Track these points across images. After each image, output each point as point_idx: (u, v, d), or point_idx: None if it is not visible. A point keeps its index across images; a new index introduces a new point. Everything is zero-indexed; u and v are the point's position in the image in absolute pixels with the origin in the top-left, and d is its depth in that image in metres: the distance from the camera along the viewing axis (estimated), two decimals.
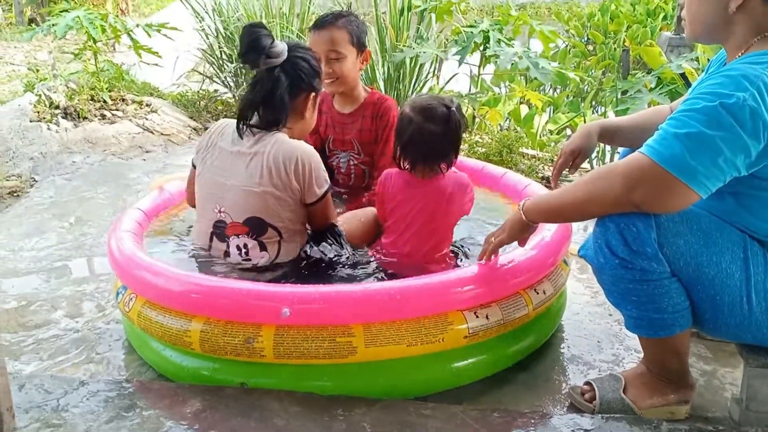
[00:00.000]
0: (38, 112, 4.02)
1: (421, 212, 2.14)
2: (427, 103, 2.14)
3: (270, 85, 2.05)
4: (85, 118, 4.11)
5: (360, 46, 2.58)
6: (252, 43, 2.01)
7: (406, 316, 1.82)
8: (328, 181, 2.14)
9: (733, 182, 1.59)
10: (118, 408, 1.75)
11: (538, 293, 2.03)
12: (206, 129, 4.31)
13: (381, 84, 3.94)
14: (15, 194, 3.49)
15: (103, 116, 4.19)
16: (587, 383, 1.92)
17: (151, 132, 4.04)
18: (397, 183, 2.19)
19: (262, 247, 2.10)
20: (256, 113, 2.09)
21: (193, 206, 2.31)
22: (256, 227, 2.09)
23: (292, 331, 1.79)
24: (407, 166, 2.17)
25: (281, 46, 2.05)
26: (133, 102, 4.38)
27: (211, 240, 2.15)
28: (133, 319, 2.00)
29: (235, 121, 2.12)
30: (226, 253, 2.13)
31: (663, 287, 1.68)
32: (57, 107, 4.17)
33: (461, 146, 2.19)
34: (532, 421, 1.79)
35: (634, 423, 1.76)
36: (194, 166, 2.22)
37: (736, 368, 2.07)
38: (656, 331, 1.75)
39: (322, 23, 2.54)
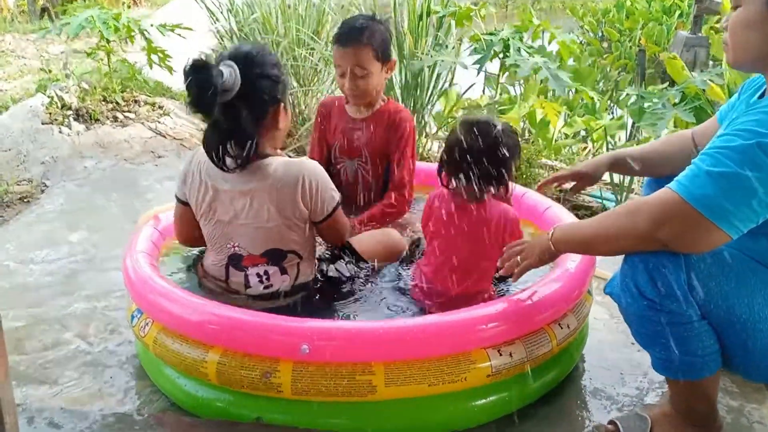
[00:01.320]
0: (50, 114, 3.99)
1: (466, 241, 2.11)
2: (475, 120, 2.14)
3: (231, 122, 1.85)
4: (97, 120, 4.07)
5: (385, 58, 2.54)
6: (200, 89, 1.75)
7: (427, 355, 1.77)
8: (337, 195, 2.08)
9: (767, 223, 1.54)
10: None
11: (562, 328, 1.99)
12: None
13: (398, 92, 3.89)
14: (25, 200, 3.48)
15: (116, 118, 4.16)
16: (612, 422, 1.88)
17: (164, 136, 4.01)
18: (443, 206, 2.15)
19: (283, 271, 2.08)
20: (228, 148, 1.90)
21: (185, 244, 2.26)
22: (274, 256, 2.06)
23: (311, 367, 1.77)
24: (451, 184, 2.14)
25: (232, 77, 1.79)
26: (146, 103, 4.34)
27: (227, 270, 2.10)
28: (149, 345, 1.98)
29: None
30: (246, 284, 2.09)
31: (692, 330, 1.64)
32: (69, 108, 4.13)
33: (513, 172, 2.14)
34: None
35: None
36: (180, 201, 2.13)
37: (762, 404, 2.03)
38: (685, 374, 1.71)
39: (346, 40, 2.48)
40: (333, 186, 2.07)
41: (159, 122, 4.14)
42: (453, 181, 2.13)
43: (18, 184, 3.60)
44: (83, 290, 2.63)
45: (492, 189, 2.13)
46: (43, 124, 3.96)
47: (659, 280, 1.61)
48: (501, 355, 1.84)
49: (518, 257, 1.87)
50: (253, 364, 1.79)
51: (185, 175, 2.09)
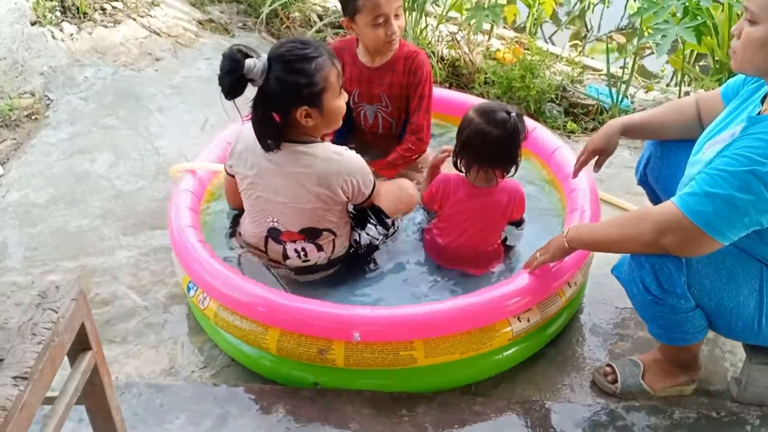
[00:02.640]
0: (37, 12, 3.97)
1: (477, 221, 2.42)
2: (489, 106, 2.34)
3: (260, 107, 2.13)
4: (85, 14, 4.07)
5: None
6: (222, 72, 2.07)
7: (459, 330, 2.13)
8: (373, 179, 2.32)
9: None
10: (215, 417, 2.10)
11: (571, 286, 2.35)
12: (210, 21, 4.34)
13: None
14: (33, 117, 3.60)
15: (104, 10, 4.16)
16: (609, 365, 2.28)
17: (158, 34, 4.05)
18: (457, 193, 2.40)
19: (319, 248, 2.37)
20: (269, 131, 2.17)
21: (235, 208, 2.53)
22: (311, 234, 2.34)
23: (361, 345, 2.11)
24: (463, 168, 2.37)
25: (254, 68, 2.04)
26: None
27: (266, 243, 2.39)
28: (209, 317, 2.30)
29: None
30: (285, 256, 2.38)
31: (687, 317, 2.01)
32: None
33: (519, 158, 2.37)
34: (567, 410, 2.18)
35: (651, 412, 2.16)
36: (228, 173, 2.40)
37: None
38: (676, 342, 2.10)
39: None
40: (370, 171, 2.30)
41: (150, 16, 4.15)
42: (470, 169, 2.36)
43: (21, 97, 3.70)
44: (122, 233, 2.90)
45: (504, 173, 2.37)
46: (32, 24, 3.95)
47: (663, 280, 1.94)
48: (520, 321, 2.21)
49: (537, 254, 2.18)
50: (309, 343, 2.13)
51: (233, 150, 2.34)
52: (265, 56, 2.10)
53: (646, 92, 3.83)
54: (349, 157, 2.26)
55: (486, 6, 3.64)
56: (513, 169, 2.40)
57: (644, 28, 3.50)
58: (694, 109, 2.27)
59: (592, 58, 4.34)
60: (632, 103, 3.75)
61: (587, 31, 5.17)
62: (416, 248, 2.58)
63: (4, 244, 2.85)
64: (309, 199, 2.25)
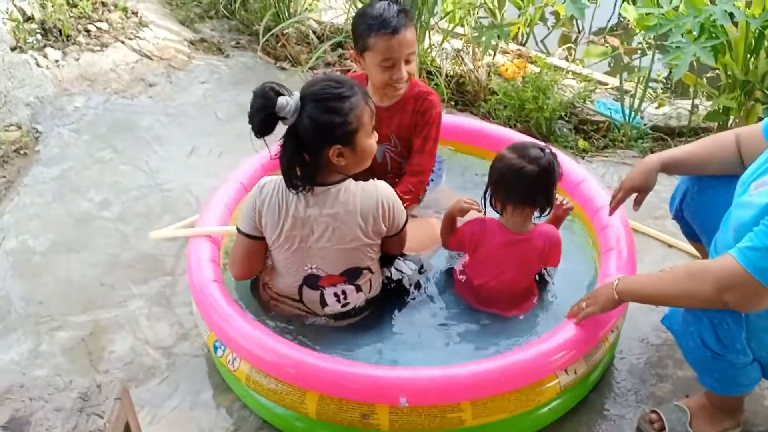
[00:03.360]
0: (16, 37, 3.83)
1: (513, 266, 2.38)
2: (522, 144, 2.31)
3: (291, 146, 2.11)
4: (68, 37, 3.93)
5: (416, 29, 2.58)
6: (253, 109, 2.05)
7: (508, 390, 2.07)
8: (405, 212, 2.31)
9: None
10: None
11: (613, 331, 2.31)
12: (202, 40, 4.22)
13: None
14: (21, 152, 3.47)
15: (88, 32, 4.02)
16: (654, 412, 2.25)
17: (150, 58, 3.92)
18: (494, 240, 2.36)
19: (358, 289, 2.33)
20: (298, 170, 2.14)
21: (243, 279, 2.45)
22: (352, 275, 2.29)
23: (407, 409, 2.05)
24: (497, 208, 2.34)
25: (286, 106, 2.02)
26: (116, 7, 4.16)
27: (300, 291, 2.32)
28: (241, 379, 2.22)
29: (276, 179, 2.21)
30: (323, 302, 2.33)
31: (745, 371, 1.98)
32: (32, 20, 3.96)
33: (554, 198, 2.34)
34: None
35: None
36: (250, 237, 2.29)
37: None
38: (729, 393, 2.08)
39: (396, 27, 2.44)
40: (400, 203, 2.29)
41: (139, 38, 4.02)
42: (505, 209, 2.31)
43: (7, 130, 3.56)
44: (132, 281, 2.80)
45: (539, 213, 2.33)
46: (12, 50, 3.81)
47: (722, 335, 1.91)
48: (567, 373, 2.17)
49: (583, 304, 2.13)
50: (351, 407, 2.07)
51: (257, 208, 2.24)
52: (297, 94, 2.08)
53: (657, 107, 3.80)
54: (383, 185, 2.26)
55: (494, 25, 3.57)
56: (549, 210, 2.35)
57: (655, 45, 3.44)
58: (734, 145, 2.23)
59: (582, 65, 4.29)
60: (642, 118, 3.72)
61: (578, 32, 5.14)
62: (447, 286, 2.55)
63: (7, 299, 2.74)
64: (353, 237, 2.21)
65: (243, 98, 3.80)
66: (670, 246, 2.98)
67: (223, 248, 2.58)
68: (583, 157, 3.51)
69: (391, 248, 2.38)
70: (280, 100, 2.03)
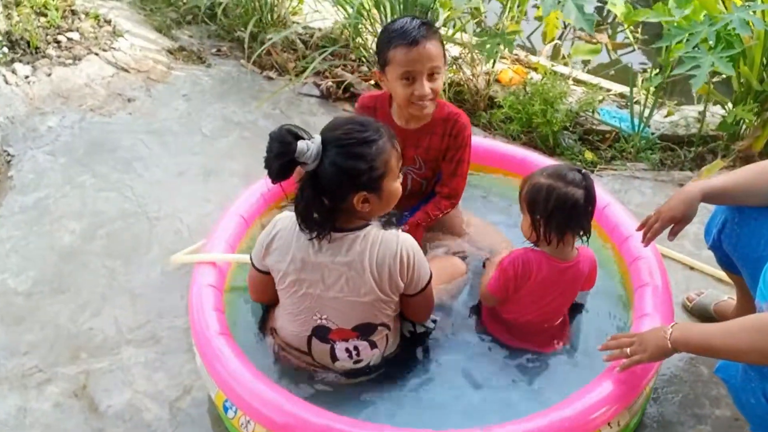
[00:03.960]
0: None
1: (561, 296, 2.28)
2: (559, 169, 2.20)
3: (311, 191, 1.95)
4: (37, 49, 3.68)
5: (443, 44, 2.42)
6: (270, 155, 1.89)
7: None
8: (430, 270, 2.14)
9: None
10: None
11: (653, 377, 2.18)
12: (181, 49, 3.99)
13: None
14: None
15: (58, 43, 3.77)
16: None
17: (127, 71, 3.69)
18: (541, 272, 2.24)
19: (373, 346, 2.16)
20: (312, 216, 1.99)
21: (259, 302, 2.33)
22: (365, 330, 2.13)
23: None
24: (551, 240, 2.20)
25: (307, 151, 1.88)
26: (87, 16, 3.91)
27: (309, 343, 2.16)
28: None
29: (293, 216, 2.04)
30: (333, 357, 2.16)
31: None
32: None
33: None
34: None
35: None
36: (260, 271, 2.17)
37: None
38: None
39: (416, 39, 2.29)
40: (425, 259, 2.12)
41: (114, 49, 3.78)
42: (550, 237, 2.18)
43: None
44: (125, 324, 2.60)
45: (583, 239, 2.21)
46: None
47: None
48: (611, 426, 2.04)
49: (628, 350, 1.99)
50: None
51: (268, 246, 2.10)
52: (318, 138, 1.92)
53: (666, 116, 3.68)
54: (405, 236, 2.08)
55: (497, 33, 3.41)
56: (588, 233, 2.24)
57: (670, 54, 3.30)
58: None
59: (568, 63, 4.16)
60: (649, 127, 3.60)
61: (563, 27, 5.00)
62: (470, 325, 2.41)
63: None
64: (367, 290, 2.04)
65: (228, 111, 3.64)
66: (692, 268, 2.87)
67: (229, 282, 2.44)
68: (592, 171, 3.38)
69: (413, 312, 2.22)
70: (300, 144, 1.87)
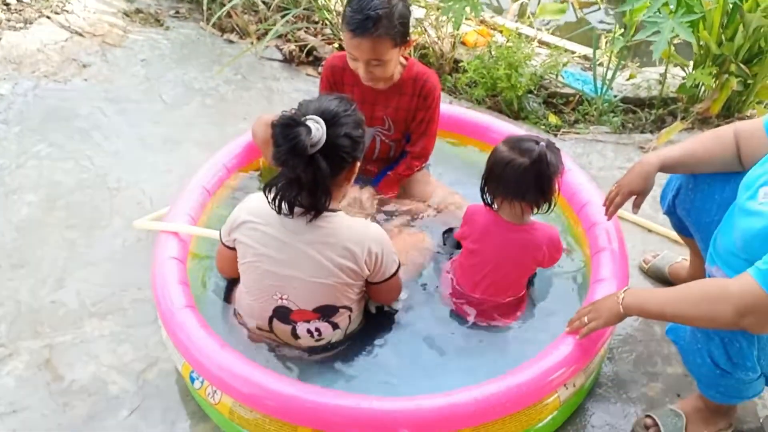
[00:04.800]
0: None
1: (506, 261, 2.33)
2: (519, 138, 2.26)
3: (311, 174, 1.93)
4: None
5: (403, 41, 2.47)
6: (292, 149, 1.88)
7: (510, 413, 2.05)
8: (397, 259, 2.22)
9: None
10: None
11: (607, 338, 2.29)
12: (138, 11, 3.96)
13: None
14: None
15: (7, 5, 3.73)
16: (649, 416, 2.26)
17: (81, 35, 3.66)
18: (487, 223, 2.31)
19: (335, 326, 2.23)
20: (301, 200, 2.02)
21: (226, 277, 2.39)
22: (327, 312, 2.19)
23: None
24: (491, 202, 2.29)
25: (319, 133, 1.89)
26: None
27: (271, 322, 2.22)
28: (223, 413, 2.13)
29: (262, 197, 2.08)
30: (295, 336, 2.23)
31: (751, 385, 2.00)
32: None
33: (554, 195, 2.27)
34: None
35: None
36: (226, 246, 2.22)
37: None
38: (730, 402, 2.11)
39: (361, 29, 2.36)
40: (394, 250, 2.19)
41: (67, 11, 3.74)
42: (496, 202, 2.26)
43: None
44: (88, 298, 2.64)
45: (536, 209, 2.28)
46: None
47: (733, 353, 1.91)
48: (567, 388, 2.15)
49: (585, 318, 2.09)
50: None
51: (235, 221, 2.15)
52: (316, 118, 1.92)
53: (628, 79, 3.76)
54: (375, 228, 2.15)
55: None
56: (546, 206, 2.29)
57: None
58: (733, 142, 2.19)
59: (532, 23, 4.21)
60: (611, 89, 3.68)
61: None
62: (433, 299, 2.49)
63: None
64: (330, 273, 2.09)
65: (189, 77, 3.64)
66: (650, 231, 2.98)
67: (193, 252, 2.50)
68: (555, 135, 3.47)
69: (379, 297, 2.30)
70: (311, 125, 1.88)
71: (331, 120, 1.93)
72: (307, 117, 1.90)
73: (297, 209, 2.02)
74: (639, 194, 2.28)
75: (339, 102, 2.00)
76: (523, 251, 2.32)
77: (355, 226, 2.10)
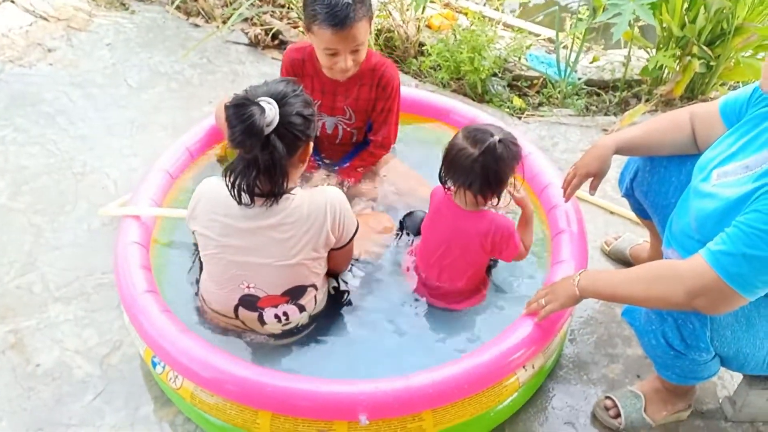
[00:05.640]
0: None
1: (454, 245, 2.31)
2: (476, 128, 2.21)
3: (268, 155, 1.90)
4: None
5: (371, 17, 2.44)
6: (248, 129, 1.83)
7: (470, 395, 2.04)
8: (356, 220, 2.19)
9: None
10: None
11: (566, 320, 2.29)
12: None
13: None
14: None
15: None
16: (609, 398, 2.27)
17: (46, 19, 3.59)
18: (439, 205, 2.31)
19: (301, 309, 2.21)
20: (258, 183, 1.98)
21: None
22: (295, 294, 2.17)
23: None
24: (447, 188, 2.28)
25: (272, 113, 1.86)
26: None
27: (236, 310, 2.20)
28: (185, 398, 2.11)
29: (216, 182, 2.05)
30: (261, 322, 2.21)
31: (706, 366, 2.01)
32: None
33: (505, 186, 2.24)
34: None
35: None
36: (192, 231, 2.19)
37: None
38: (686, 383, 2.12)
39: (343, 22, 2.30)
40: (351, 210, 2.17)
41: None
42: (451, 187, 2.25)
43: None
44: (52, 282, 2.62)
45: (487, 200, 2.25)
46: None
47: (686, 335, 1.91)
48: (526, 369, 2.15)
49: (542, 301, 2.09)
50: (307, 424, 2.00)
51: (194, 210, 2.12)
52: (268, 99, 1.89)
53: (591, 62, 3.75)
54: (332, 190, 2.13)
55: None
56: (494, 199, 2.26)
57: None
58: (688, 125, 2.19)
59: (499, 10, 4.18)
60: (575, 72, 3.67)
61: None
62: (395, 281, 2.48)
63: None
64: (298, 250, 2.07)
65: (154, 61, 3.58)
66: (612, 212, 2.98)
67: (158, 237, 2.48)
68: (519, 117, 3.45)
69: (336, 264, 2.26)
70: (264, 105, 1.85)
71: (281, 100, 1.90)
72: (259, 98, 1.88)
73: (257, 198, 1.98)
74: (595, 176, 2.28)
75: (286, 84, 1.97)
76: (469, 237, 2.29)
77: (314, 195, 2.07)
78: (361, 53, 2.43)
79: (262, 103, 1.85)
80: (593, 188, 2.31)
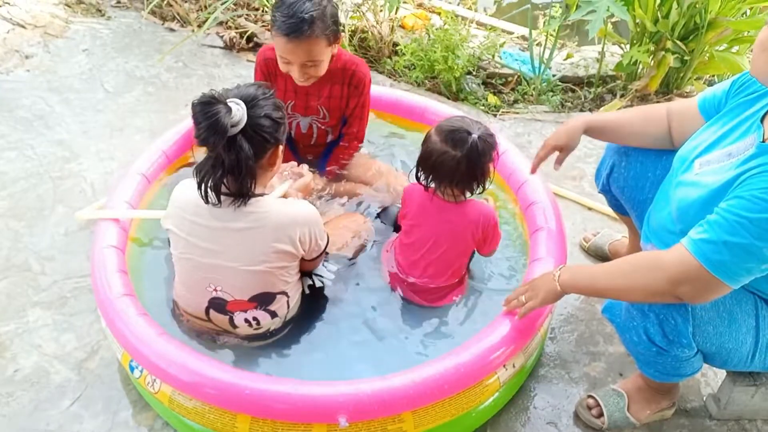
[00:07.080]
0: None
1: (444, 238, 2.24)
2: (451, 125, 2.14)
3: (234, 156, 1.83)
4: None
5: (335, 39, 2.38)
6: (212, 126, 1.76)
7: (450, 395, 1.97)
8: (326, 235, 2.14)
9: None
10: None
11: (546, 317, 2.23)
12: (79, 1, 3.79)
13: None
14: None
15: None
16: (591, 397, 2.21)
17: (23, 26, 3.48)
18: (423, 201, 2.24)
19: (273, 315, 2.13)
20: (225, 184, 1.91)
21: None
22: (263, 300, 2.09)
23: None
24: (424, 183, 2.21)
25: (239, 113, 1.80)
26: None
27: (207, 313, 2.12)
28: (163, 402, 2.03)
29: (189, 184, 1.99)
30: (233, 325, 2.13)
31: (688, 362, 1.94)
32: None
33: (487, 179, 2.19)
34: None
35: None
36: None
37: None
38: (669, 380, 2.06)
39: (298, 34, 2.26)
40: (323, 227, 2.11)
41: (9, 4, 3.56)
42: (430, 185, 2.18)
43: None
44: (30, 287, 2.53)
45: (468, 193, 2.20)
46: None
47: (668, 330, 1.84)
48: (506, 368, 2.08)
49: (522, 297, 2.02)
50: (287, 428, 1.92)
51: (169, 210, 2.06)
52: (236, 100, 1.83)
53: (565, 59, 3.69)
54: (303, 207, 2.05)
55: None
56: (479, 189, 2.20)
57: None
58: (665, 120, 2.13)
59: (473, 9, 4.12)
60: (550, 69, 3.61)
61: None
62: (372, 279, 2.40)
63: None
64: (264, 258, 1.99)
65: (131, 65, 3.50)
66: (590, 209, 2.93)
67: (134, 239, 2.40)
68: (495, 115, 3.39)
69: (306, 267, 2.19)
70: (231, 104, 1.79)
71: (250, 102, 1.85)
72: (228, 99, 1.81)
73: (225, 198, 1.91)
74: (562, 149, 2.22)
75: (257, 87, 1.92)
76: (459, 227, 2.24)
77: (284, 207, 2.00)
78: (318, 69, 2.38)
79: (230, 104, 1.80)
80: (558, 162, 2.26)
